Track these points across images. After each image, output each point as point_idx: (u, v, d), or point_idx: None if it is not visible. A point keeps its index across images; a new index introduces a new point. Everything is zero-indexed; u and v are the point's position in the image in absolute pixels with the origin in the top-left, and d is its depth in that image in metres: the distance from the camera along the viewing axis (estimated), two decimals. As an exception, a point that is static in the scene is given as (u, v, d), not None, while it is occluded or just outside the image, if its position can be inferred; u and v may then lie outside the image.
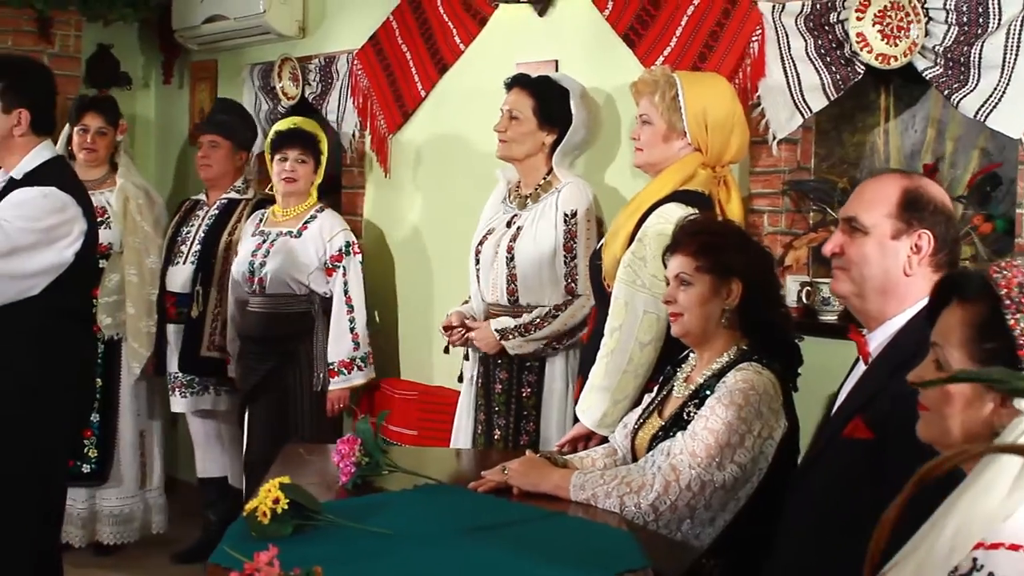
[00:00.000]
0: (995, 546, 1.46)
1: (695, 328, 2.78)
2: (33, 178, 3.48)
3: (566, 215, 3.68)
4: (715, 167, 3.31)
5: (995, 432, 1.64)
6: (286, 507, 2.38)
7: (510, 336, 3.65)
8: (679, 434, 2.69)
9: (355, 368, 4.44)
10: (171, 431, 5.59)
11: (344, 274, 4.47)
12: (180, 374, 4.90)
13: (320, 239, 4.49)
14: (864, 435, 2.13)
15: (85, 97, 5.16)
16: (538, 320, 3.64)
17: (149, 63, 6.22)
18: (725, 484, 2.59)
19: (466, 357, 3.88)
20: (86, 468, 4.92)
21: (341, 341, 4.43)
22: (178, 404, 4.95)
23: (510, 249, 3.71)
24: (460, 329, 3.77)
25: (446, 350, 3.95)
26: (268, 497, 2.40)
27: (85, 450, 4.90)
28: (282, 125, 4.63)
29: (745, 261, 2.78)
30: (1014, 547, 1.47)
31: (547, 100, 3.76)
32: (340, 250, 4.48)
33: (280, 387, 4.46)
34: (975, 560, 1.47)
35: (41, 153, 3.53)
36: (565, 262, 3.67)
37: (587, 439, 3.24)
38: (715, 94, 3.30)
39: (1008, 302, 1.61)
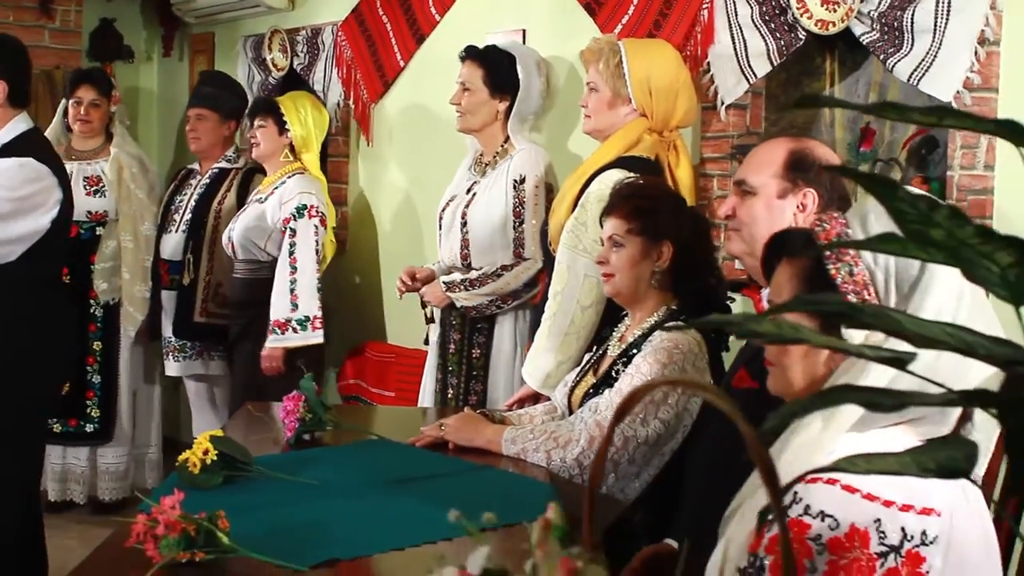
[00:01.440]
0: (813, 480, 1.54)
1: (625, 289, 2.86)
2: (10, 149, 3.60)
3: (515, 181, 3.78)
4: (663, 132, 3.38)
5: None
6: (215, 458, 2.51)
7: (456, 289, 3.78)
8: (606, 391, 2.78)
9: (290, 329, 4.40)
10: (174, 394, 5.75)
11: (292, 236, 4.43)
12: (173, 339, 5.04)
13: (279, 203, 4.52)
14: (748, 384, 2.22)
15: (79, 70, 5.29)
16: (483, 276, 3.77)
17: (152, 36, 6.36)
18: (648, 439, 2.67)
19: (431, 320, 4.00)
20: (89, 428, 5.09)
21: (280, 301, 4.41)
22: (172, 368, 5.10)
23: (464, 215, 3.83)
24: (416, 284, 3.91)
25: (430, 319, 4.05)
26: (199, 448, 2.52)
27: (87, 410, 5.07)
28: None
29: (677, 224, 2.84)
30: (831, 481, 1.55)
31: (495, 68, 3.86)
32: (292, 213, 4.46)
33: (251, 352, 4.54)
34: (795, 493, 1.55)
35: (17, 125, 3.65)
36: (514, 227, 3.78)
37: (535, 399, 3.34)
38: (659, 60, 3.36)
39: (829, 253, 1.68)
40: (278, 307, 4.41)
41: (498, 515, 2.32)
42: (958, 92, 2.95)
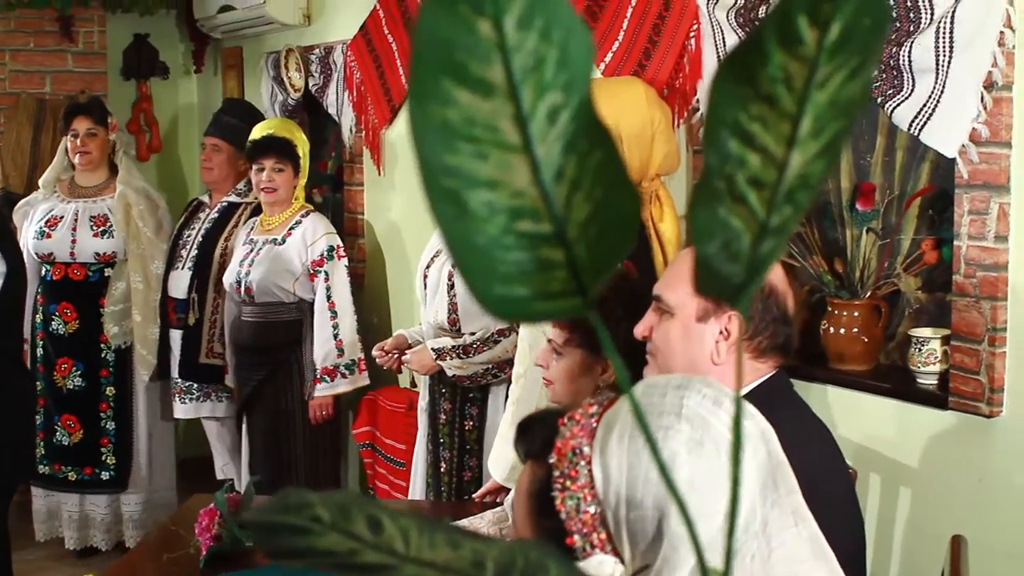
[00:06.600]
0: None
1: (565, 399, 2.47)
2: None
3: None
4: (641, 183, 2.96)
5: None
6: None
7: (447, 356, 3.40)
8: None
9: (339, 375, 4.26)
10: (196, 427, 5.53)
11: (327, 279, 4.26)
12: (179, 380, 4.81)
13: (303, 244, 4.29)
14: None
15: (72, 103, 5.04)
16: (478, 343, 3.39)
17: (188, 51, 6.11)
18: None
19: (413, 385, 3.65)
20: (105, 475, 4.88)
21: (325, 348, 4.26)
22: (179, 410, 4.84)
23: (451, 275, 3.44)
24: (393, 353, 3.55)
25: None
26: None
27: (103, 457, 4.87)
28: (256, 133, 4.39)
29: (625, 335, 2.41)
30: None
31: None
32: (322, 254, 4.27)
33: (274, 397, 4.33)
34: None
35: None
36: (507, 287, 3.37)
37: (505, 492, 2.98)
38: (628, 103, 2.93)
39: (557, 474, 1.28)
40: (325, 354, 4.28)
41: None
42: (963, 146, 2.46)
